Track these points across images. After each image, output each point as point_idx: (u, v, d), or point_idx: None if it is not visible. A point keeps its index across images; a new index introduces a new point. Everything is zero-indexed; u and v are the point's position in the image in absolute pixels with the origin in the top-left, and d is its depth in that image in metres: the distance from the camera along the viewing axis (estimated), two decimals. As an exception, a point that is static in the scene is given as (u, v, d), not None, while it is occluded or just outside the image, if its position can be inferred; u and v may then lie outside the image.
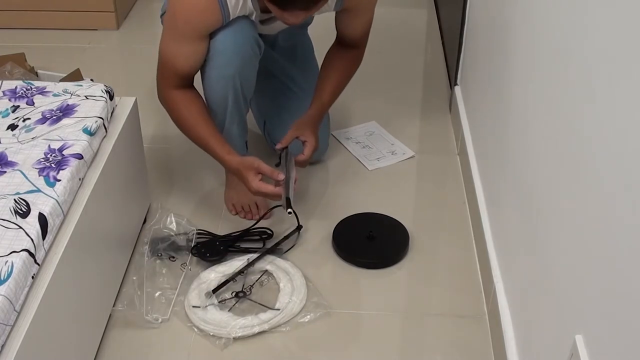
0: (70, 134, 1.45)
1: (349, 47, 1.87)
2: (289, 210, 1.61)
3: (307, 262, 1.72)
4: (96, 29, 2.89)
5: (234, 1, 1.56)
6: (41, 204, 1.26)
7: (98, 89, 1.59)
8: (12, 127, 1.48)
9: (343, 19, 1.81)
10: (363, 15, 1.80)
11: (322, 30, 1.85)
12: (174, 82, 1.66)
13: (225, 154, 1.67)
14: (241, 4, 1.58)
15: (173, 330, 1.55)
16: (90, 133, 1.46)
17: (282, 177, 1.64)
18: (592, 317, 0.99)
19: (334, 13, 1.78)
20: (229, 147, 1.68)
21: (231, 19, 1.59)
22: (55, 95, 1.58)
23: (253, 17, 1.65)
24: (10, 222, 1.21)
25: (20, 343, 1.10)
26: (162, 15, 1.88)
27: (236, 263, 1.68)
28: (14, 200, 1.26)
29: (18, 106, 1.55)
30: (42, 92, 1.60)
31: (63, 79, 2.13)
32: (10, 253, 1.16)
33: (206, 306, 1.57)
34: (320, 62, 1.93)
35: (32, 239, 1.20)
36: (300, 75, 1.99)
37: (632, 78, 0.87)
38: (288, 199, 1.61)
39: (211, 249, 1.72)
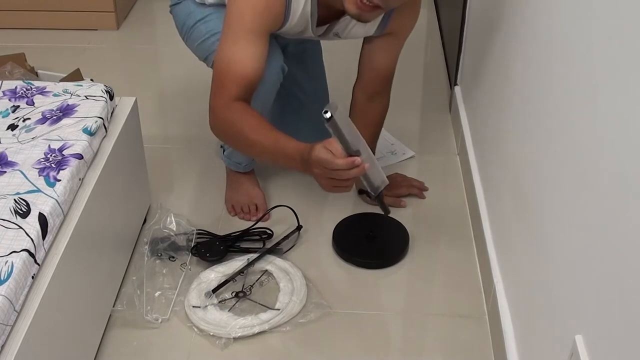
0: (70, 134, 1.45)
1: (373, 95, 1.84)
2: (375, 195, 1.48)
3: (307, 262, 1.72)
4: (96, 29, 2.90)
5: (299, 2, 1.53)
6: (41, 204, 1.27)
7: (98, 89, 1.59)
8: (12, 127, 1.48)
9: (375, 47, 1.76)
10: (397, 43, 1.77)
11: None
12: (235, 94, 1.49)
13: (300, 148, 1.44)
14: (302, 5, 1.54)
15: (173, 330, 1.55)
16: (90, 133, 1.46)
17: (349, 163, 1.35)
18: (592, 317, 0.99)
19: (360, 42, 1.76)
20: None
21: (290, 19, 1.55)
22: (55, 95, 1.58)
23: (309, 21, 1.60)
24: (10, 222, 1.21)
25: (20, 343, 1.10)
26: (172, 5, 1.83)
27: (236, 263, 1.68)
28: (14, 200, 1.26)
29: (18, 106, 1.55)
30: (42, 92, 1.60)
31: (63, 79, 2.13)
32: (10, 253, 1.16)
33: (206, 306, 1.57)
34: (326, 64, 1.90)
35: (32, 239, 1.20)
36: (307, 82, 1.98)
37: (633, 78, 0.87)
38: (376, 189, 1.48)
39: (211, 249, 1.72)
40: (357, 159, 1.34)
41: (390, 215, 1.83)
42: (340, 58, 2.11)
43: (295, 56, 1.96)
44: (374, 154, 1.90)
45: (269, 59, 1.58)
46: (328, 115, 1.26)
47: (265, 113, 1.70)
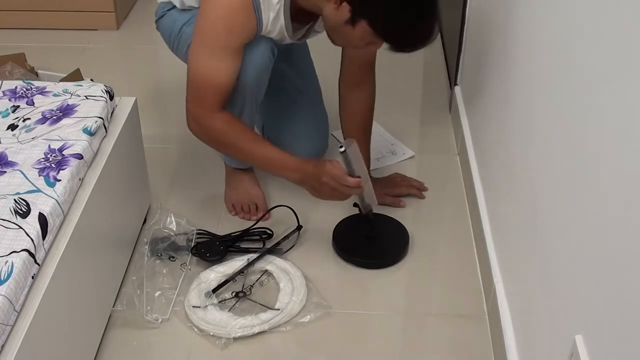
0: (70, 134, 1.45)
1: (355, 85, 1.85)
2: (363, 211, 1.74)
3: (307, 262, 1.71)
4: (96, 29, 2.90)
5: (269, 14, 1.55)
6: (41, 204, 1.26)
7: (98, 89, 1.59)
8: (12, 127, 1.48)
9: None
10: None
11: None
12: (216, 104, 1.58)
13: (298, 161, 1.62)
14: (272, 17, 1.56)
15: (173, 330, 1.55)
16: (90, 133, 1.46)
17: (353, 183, 1.59)
18: (592, 317, 0.99)
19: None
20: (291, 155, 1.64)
21: (262, 29, 1.57)
22: (55, 95, 1.58)
23: (285, 32, 1.62)
24: (10, 222, 1.21)
25: (20, 343, 1.10)
26: (157, 20, 1.86)
27: (236, 263, 1.68)
28: (14, 200, 1.26)
29: (18, 106, 1.55)
30: (42, 92, 1.60)
31: (63, 79, 2.13)
32: (10, 253, 1.16)
33: (206, 306, 1.57)
34: (320, 62, 1.91)
35: (32, 239, 1.20)
36: (297, 78, 1.98)
37: (634, 77, 0.87)
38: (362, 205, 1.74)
39: (211, 249, 1.71)
40: (362, 181, 1.60)
41: (390, 215, 1.85)
42: (334, 55, 2.10)
43: (281, 54, 1.97)
44: (369, 148, 1.91)
45: (258, 43, 1.60)
46: (342, 149, 1.55)
47: (259, 98, 1.71)
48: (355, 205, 1.78)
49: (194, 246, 1.72)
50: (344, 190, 1.60)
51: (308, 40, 2.03)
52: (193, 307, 1.57)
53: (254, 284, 1.65)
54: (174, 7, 1.78)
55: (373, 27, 1.46)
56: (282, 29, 1.61)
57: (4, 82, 1.63)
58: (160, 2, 1.83)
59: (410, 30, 1.47)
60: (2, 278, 1.11)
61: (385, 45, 1.51)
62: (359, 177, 1.60)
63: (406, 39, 1.49)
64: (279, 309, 1.57)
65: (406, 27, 1.46)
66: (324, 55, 1.94)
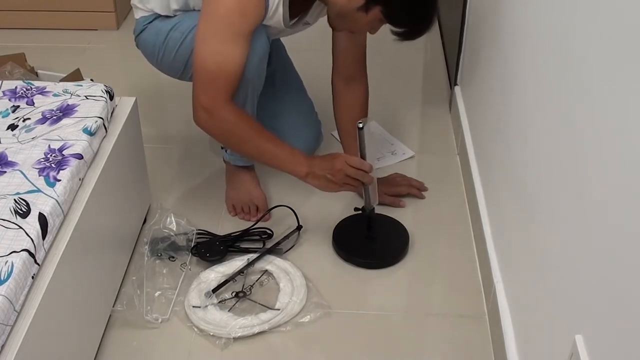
0: (71, 134, 1.45)
1: (349, 79, 1.85)
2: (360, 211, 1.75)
3: (307, 262, 1.72)
4: (96, 29, 2.90)
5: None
6: (41, 204, 1.27)
7: (98, 89, 1.59)
8: (12, 127, 1.48)
9: (343, 35, 1.79)
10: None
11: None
12: (227, 93, 1.56)
13: (306, 156, 1.63)
14: (276, 3, 1.58)
15: (173, 330, 1.55)
16: (90, 133, 1.46)
17: (367, 166, 1.62)
18: (592, 317, 0.99)
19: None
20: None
21: (267, 15, 1.58)
22: (55, 95, 1.59)
23: (282, 21, 1.63)
24: (10, 222, 1.21)
25: (20, 343, 1.10)
26: (138, 35, 1.84)
27: (236, 263, 1.68)
28: (14, 200, 1.26)
29: (18, 106, 1.55)
30: (42, 92, 1.60)
31: (63, 79, 2.13)
32: (10, 253, 1.16)
33: (206, 306, 1.57)
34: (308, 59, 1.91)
35: (32, 239, 1.20)
36: (276, 75, 1.98)
37: (633, 76, 0.87)
38: (364, 207, 1.75)
39: (211, 249, 1.72)
40: (374, 166, 1.63)
41: (390, 215, 1.85)
42: (324, 56, 2.10)
43: None
44: None
45: (255, 31, 1.60)
46: (360, 125, 1.57)
47: (259, 88, 1.70)
48: (356, 209, 1.78)
49: (194, 246, 1.72)
50: (359, 175, 1.61)
51: (309, 48, 2.04)
52: (193, 307, 1.57)
53: (254, 284, 1.65)
54: (156, 18, 1.77)
55: (386, 13, 1.51)
56: (279, 17, 1.61)
57: (4, 82, 1.63)
58: (140, 17, 1.80)
59: (419, 16, 1.54)
60: (2, 278, 1.11)
61: (392, 36, 1.56)
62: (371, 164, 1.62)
63: (416, 25, 1.55)
64: (279, 309, 1.57)
65: (416, 13, 1.53)
66: (316, 57, 1.94)
